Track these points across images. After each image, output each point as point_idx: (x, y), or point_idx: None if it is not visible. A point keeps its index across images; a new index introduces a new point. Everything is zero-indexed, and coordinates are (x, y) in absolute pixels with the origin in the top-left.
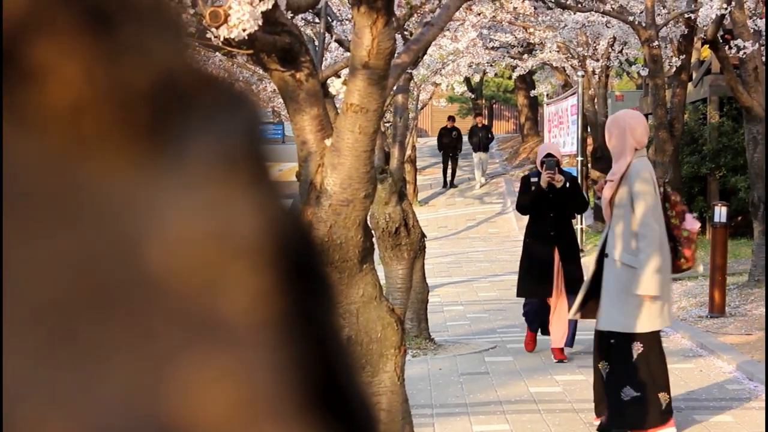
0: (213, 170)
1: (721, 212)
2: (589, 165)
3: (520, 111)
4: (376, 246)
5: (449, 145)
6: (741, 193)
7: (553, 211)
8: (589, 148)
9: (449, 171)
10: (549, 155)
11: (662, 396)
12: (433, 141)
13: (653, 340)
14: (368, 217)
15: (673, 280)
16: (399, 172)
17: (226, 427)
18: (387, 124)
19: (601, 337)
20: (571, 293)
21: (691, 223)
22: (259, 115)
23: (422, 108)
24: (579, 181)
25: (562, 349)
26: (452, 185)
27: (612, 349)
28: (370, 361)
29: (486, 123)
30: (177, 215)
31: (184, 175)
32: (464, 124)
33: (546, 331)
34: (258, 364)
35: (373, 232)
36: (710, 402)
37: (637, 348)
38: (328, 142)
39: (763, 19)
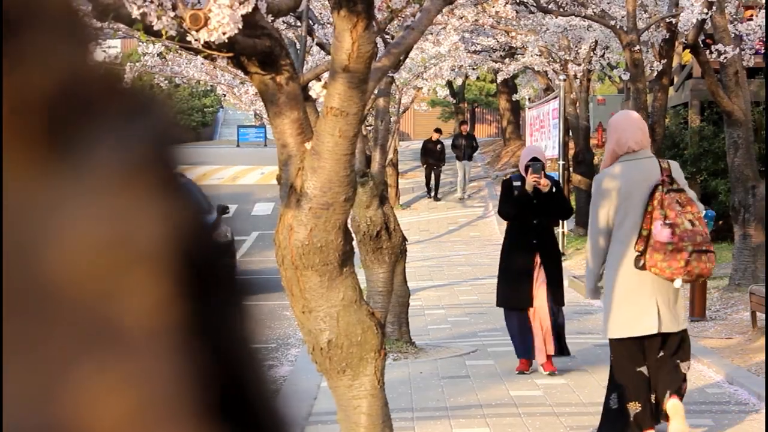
0: (115, 178)
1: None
2: (571, 169)
3: (502, 115)
4: (356, 249)
5: (433, 158)
6: (722, 196)
7: (536, 218)
8: (571, 152)
9: (432, 183)
10: (535, 159)
11: (631, 406)
12: (416, 145)
13: (619, 348)
14: (349, 221)
15: None
16: (380, 176)
17: None
18: (369, 128)
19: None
20: (557, 302)
21: (659, 234)
22: (169, 123)
23: (404, 112)
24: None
25: (550, 361)
26: (436, 198)
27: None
28: (351, 365)
29: (470, 132)
30: (76, 223)
31: (85, 183)
32: (447, 127)
33: (533, 354)
34: (156, 372)
35: (353, 235)
36: (690, 406)
37: (611, 355)
38: (308, 145)
39: (744, 24)
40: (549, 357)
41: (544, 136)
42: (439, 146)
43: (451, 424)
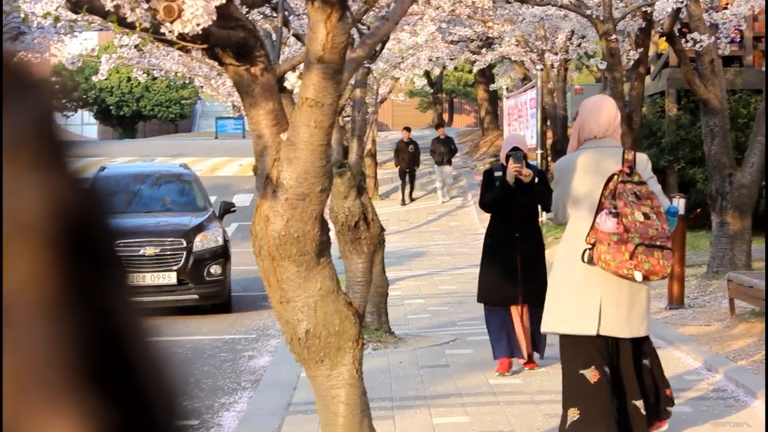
0: None
1: (679, 204)
2: (549, 158)
3: (480, 105)
4: (334, 240)
5: (407, 161)
6: (699, 185)
7: (519, 210)
8: (549, 141)
9: (407, 190)
10: (516, 148)
11: (570, 412)
12: (394, 135)
13: (564, 345)
14: (327, 211)
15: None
16: (358, 166)
17: (1, 397)
18: (346, 119)
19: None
20: (533, 301)
21: (603, 224)
22: (52, 102)
23: (382, 102)
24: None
25: (531, 357)
26: (410, 200)
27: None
28: (329, 354)
29: (447, 135)
30: None
31: None
32: (425, 118)
33: (516, 351)
34: (32, 338)
35: (331, 225)
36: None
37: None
38: (284, 136)
39: (719, 12)
40: (531, 356)
41: (522, 125)
42: (411, 146)
43: (430, 413)
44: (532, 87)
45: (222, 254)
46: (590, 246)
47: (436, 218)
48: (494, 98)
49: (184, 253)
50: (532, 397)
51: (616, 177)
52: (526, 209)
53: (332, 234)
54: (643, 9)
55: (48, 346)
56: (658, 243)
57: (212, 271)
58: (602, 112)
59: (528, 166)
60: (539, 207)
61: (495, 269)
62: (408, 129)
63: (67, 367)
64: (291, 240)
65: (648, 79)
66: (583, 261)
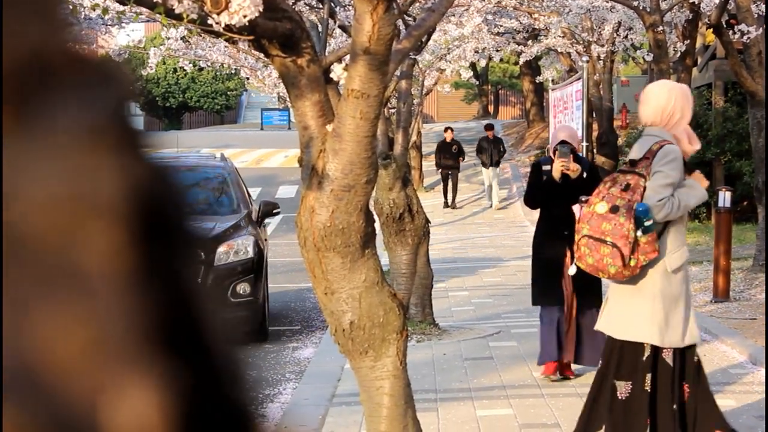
0: (76, 139)
1: (725, 197)
2: (595, 151)
3: (525, 96)
4: (379, 231)
5: (448, 160)
6: (746, 177)
7: (567, 207)
8: (595, 134)
9: (450, 191)
10: (563, 142)
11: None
12: (440, 127)
13: None
14: (372, 203)
15: None
16: (403, 158)
17: (79, 366)
18: (391, 110)
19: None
20: (585, 305)
21: (577, 213)
22: (128, 91)
23: (427, 94)
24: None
25: (569, 364)
26: (453, 206)
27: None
28: (373, 346)
29: (496, 135)
30: (40, 180)
31: (49, 144)
32: (470, 110)
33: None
34: (110, 311)
35: (376, 217)
36: (714, 386)
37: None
38: (329, 127)
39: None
40: (569, 364)
41: (567, 117)
42: (454, 147)
43: (474, 406)
44: (578, 79)
45: (253, 269)
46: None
47: (480, 210)
48: (540, 90)
49: (201, 267)
50: (576, 390)
51: (624, 166)
52: (573, 206)
53: (377, 226)
54: (691, 0)
55: (126, 316)
56: (607, 239)
57: (239, 290)
58: (649, 101)
59: (577, 159)
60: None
61: (545, 269)
62: (450, 129)
63: (145, 336)
64: (336, 231)
65: (695, 71)
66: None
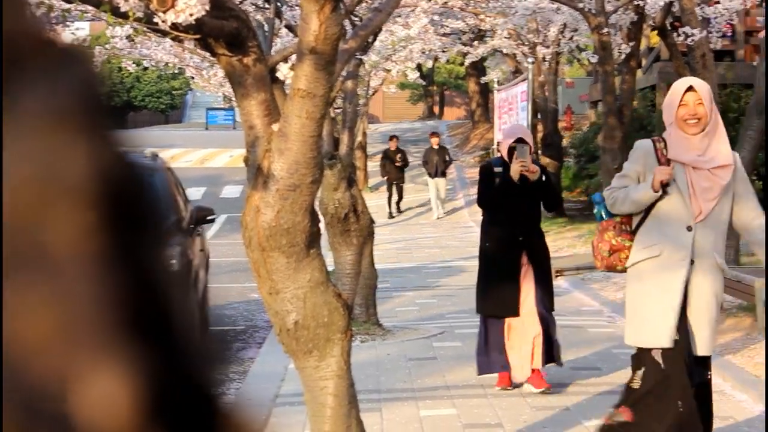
0: (44, 122)
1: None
2: (540, 152)
3: (471, 97)
4: (324, 231)
5: (394, 172)
6: None
7: (523, 211)
8: (540, 135)
9: (394, 200)
10: (520, 140)
11: None
12: (385, 128)
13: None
14: (317, 203)
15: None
16: (348, 158)
17: (47, 347)
18: (337, 111)
19: (686, 362)
20: (545, 307)
21: None
22: (95, 73)
23: (373, 94)
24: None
25: (541, 376)
26: (397, 211)
27: (695, 378)
28: (317, 346)
29: (442, 144)
30: (8, 161)
31: (17, 126)
32: (416, 110)
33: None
34: (78, 293)
35: (321, 217)
36: None
37: (709, 375)
38: (275, 127)
39: (711, 7)
40: (538, 371)
41: (512, 118)
42: (399, 156)
43: (417, 406)
44: (524, 80)
45: (178, 284)
46: None
47: (425, 211)
48: (485, 91)
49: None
50: (519, 390)
51: None
52: (530, 210)
53: (322, 226)
54: (636, 2)
55: (94, 299)
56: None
57: None
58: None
59: (534, 162)
60: (546, 207)
61: (496, 277)
62: (395, 138)
63: (113, 319)
64: (281, 231)
65: (639, 72)
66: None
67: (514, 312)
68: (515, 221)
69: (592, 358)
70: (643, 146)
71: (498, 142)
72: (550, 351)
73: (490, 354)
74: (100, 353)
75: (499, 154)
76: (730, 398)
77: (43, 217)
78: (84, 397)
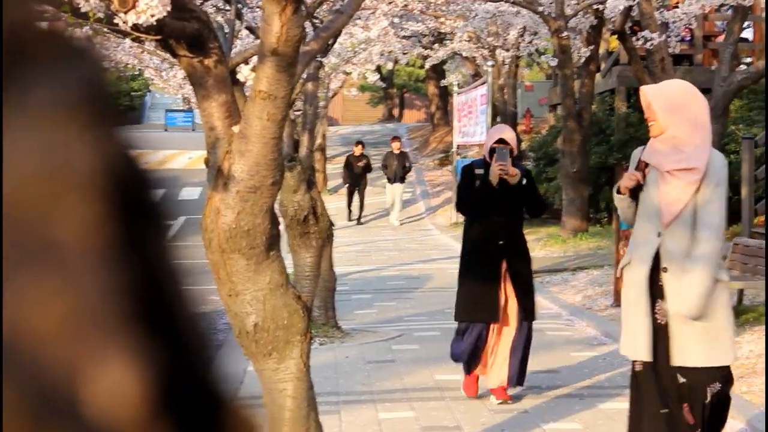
0: (52, 114)
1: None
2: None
3: (430, 100)
4: (283, 234)
5: (356, 175)
6: None
7: (503, 215)
8: None
9: (355, 205)
10: (501, 141)
11: None
12: (345, 130)
13: (729, 374)
14: (277, 205)
15: (579, 268)
16: (308, 160)
17: (57, 337)
18: (297, 112)
19: (666, 375)
20: (524, 317)
21: None
22: (101, 67)
23: (333, 96)
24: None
25: (505, 388)
26: (359, 222)
27: (684, 389)
28: (277, 348)
29: (402, 149)
30: (18, 154)
31: (26, 119)
32: (376, 113)
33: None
34: (88, 284)
35: (281, 219)
36: (613, 390)
37: (715, 386)
38: (236, 128)
39: (670, 11)
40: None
41: (472, 122)
42: (363, 161)
43: (376, 408)
44: (483, 83)
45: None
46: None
47: (384, 214)
48: (445, 94)
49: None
50: (478, 393)
51: None
52: (511, 214)
53: (282, 228)
54: (595, 6)
55: (103, 290)
56: None
57: None
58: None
59: (515, 165)
60: (529, 214)
61: (476, 282)
62: (361, 144)
63: (122, 310)
64: (241, 233)
65: (598, 76)
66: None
67: (494, 317)
68: (495, 225)
69: (551, 361)
70: (635, 152)
71: (457, 145)
72: (521, 373)
73: (470, 357)
74: (110, 344)
75: (458, 157)
76: None
77: (53, 209)
78: (94, 388)
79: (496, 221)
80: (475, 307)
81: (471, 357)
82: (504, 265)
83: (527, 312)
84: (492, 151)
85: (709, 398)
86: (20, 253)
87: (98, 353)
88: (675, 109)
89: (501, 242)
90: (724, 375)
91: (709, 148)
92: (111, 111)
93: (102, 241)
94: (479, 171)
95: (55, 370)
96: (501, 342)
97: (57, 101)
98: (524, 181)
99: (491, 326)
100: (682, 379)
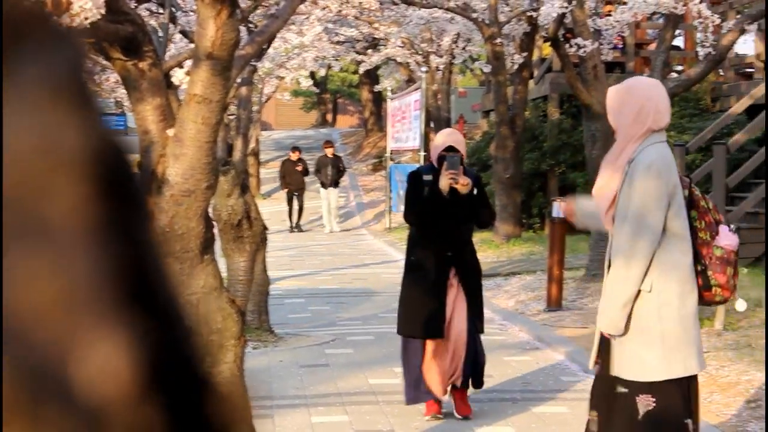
0: (41, 95)
1: (559, 208)
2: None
3: (364, 106)
4: (217, 238)
5: (295, 181)
6: (580, 189)
7: (452, 224)
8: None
9: (295, 212)
10: (451, 148)
11: None
12: (278, 134)
13: (671, 391)
14: (210, 209)
15: (512, 273)
16: (242, 165)
17: (48, 315)
18: (231, 117)
19: (603, 383)
20: (473, 329)
21: (727, 238)
22: (83, 51)
23: (266, 101)
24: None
25: (465, 401)
26: (298, 228)
27: (617, 400)
28: (210, 352)
29: (337, 154)
30: (7, 134)
31: (15, 99)
32: (309, 118)
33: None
34: (78, 263)
35: (215, 223)
36: (546, 393)
37: (647, 402)
38: (170, 132)
39: (603, 18)
40: (462, 397)
41: (405, 127)
42: (300, 166)
43: (309, 412)
44: (417, 89)
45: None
46: (701, 270)
47: (317, 218)
48: (378, 99)
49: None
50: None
51: (690, 183)
52: (460, 223)
53: (216, 231)
54: (529, 14)
55: (93, 269)
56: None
57: None
58: (666, 96)
59: (465, 172)
60: (478, 224)
61: (422, 295)
62: (298, 149)
63: (112, 289)
64: (175, 236)
65: (531, 83)
66: (708, 291)
67: (438, 333)
68: (444, 235)
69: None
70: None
71: (391, 150)
72: (476, 377)
73: (415, 383)
74: (100, 322)
75: (391, 162)
76: None
77: (42, 188)
78: (85, 366)
79: (445, 231)
80: (421, 323)
81: (421, 386)
82: (452, 277)
83: (476, 326)
84: (441, 158)
85: (641, 415)
86: (10, 231)
87: (89, 332)
88: (611, 111)
89: (449, 253)
90: (662, 391)
91: (639, 140)
92: (94, 95)
93: (91, 221)
94: (427, 177)
95: (46, 348)
96: (447, 360)
97: (45, 82)
98: (475, 191)
99: (432, 342)
100: (621, 389)
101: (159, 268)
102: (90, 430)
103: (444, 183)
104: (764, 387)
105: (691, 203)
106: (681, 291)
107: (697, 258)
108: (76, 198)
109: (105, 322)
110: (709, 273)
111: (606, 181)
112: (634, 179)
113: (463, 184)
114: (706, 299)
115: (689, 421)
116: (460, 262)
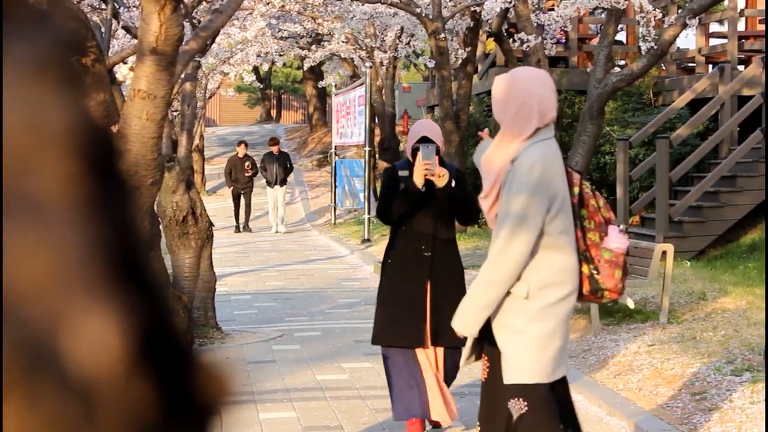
0: (28, 72)
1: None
2: (377, 156)
3: (308, 101)
4: (162, 234)
5: (241, 178)
6: None
7: (431, 222)
8: (377, 139)
9: (242, 212)
10: (426, 139)
11: None
12: (222, 131)
13: (543, 395)
14: (155, 205)
15: None
16: (187, 161)
17: (39, 290)
18: (174, 113)
19: (485, 388)
20: (452, 342)
21: (617, 240)
22: (68, 31)
23: (210, 97)
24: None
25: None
26: (246, 228)
27: (497, 409)
28: None
29: (282, 150)
30: None
31: (1, 78)
32: (253, 114)
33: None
34: (68, 238)
35: (160, 220)
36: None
37: (520, 406)
38: (114, 128)
39: (546, 14)
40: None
41: (350, 122)
42: (247, 163)
43: (257, 409)
44: (361, 84)
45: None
46: (593, 273)
47: (263, 214)
48: (323, 95)
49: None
50: (359, 393)
51: (581, 180)
52: (439, 221)
53: (161, 228)
54: (472, 8)
55: (83, 244)
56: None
57: None
58: (553, 89)
59: (443, 164)
60: (461, 220)
61: (399, 300)
62: (244, 143)
63: (101, 264)
64: None
65: (476, 78)
66: (594, 296)
67: (419, 341)
68: (422, 233)
69: None
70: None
71: (336, 146)
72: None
73: (404, 396)
74: (91, 296)
75: (337, 158)
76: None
77: (32, 164)
78: (76, 339)
79: (423, 230)
80: (398, 330)
81: (407, 393)
82: (431, 281)
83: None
84: (415, 150)
85: (515, 418)
86: (2, 208)
87: (80, 306)
88: (495, 102)
89: (428, 254)
90: (534, 395)
91: (525, 140)
92: (79, 74)
93: (80, 197)
94: (403, 173)
95: (38, 322)
96: (433, 368)
97: (33, 59)
98: (453, 183)
99: (420, 352)
100: (500, 394)
101: (142, 244)
102: (82, 402)
103: (419, 174)
104: (765, 391)
105: (581, 201)
106: (557, 295)
107: (588, 259)
108: (63, 174)
109: (95, 296)
110: (597, 277)
111: (491, 180)
112: (515, 180)
113: (440, 176)
114: (592, 301)
115: (562, 427)
116: (440, 264)
